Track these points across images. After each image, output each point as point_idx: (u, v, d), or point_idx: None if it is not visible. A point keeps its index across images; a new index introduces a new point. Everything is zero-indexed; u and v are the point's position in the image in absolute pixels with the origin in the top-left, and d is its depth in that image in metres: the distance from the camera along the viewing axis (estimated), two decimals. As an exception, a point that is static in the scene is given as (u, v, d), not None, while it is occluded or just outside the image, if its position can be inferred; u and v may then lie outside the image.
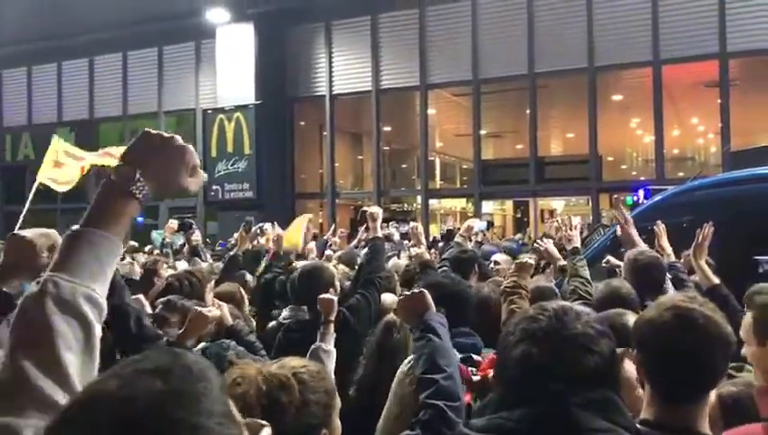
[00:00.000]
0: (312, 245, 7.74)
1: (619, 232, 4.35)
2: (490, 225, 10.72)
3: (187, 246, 7.64)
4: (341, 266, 5.85)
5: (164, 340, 3.01)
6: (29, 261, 1.75)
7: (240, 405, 1.61)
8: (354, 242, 9.31)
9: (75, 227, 1.14)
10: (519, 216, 18.62)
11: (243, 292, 4.54)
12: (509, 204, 18.80)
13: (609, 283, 3.55)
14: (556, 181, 14.14)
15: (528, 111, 13.31)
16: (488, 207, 16.18)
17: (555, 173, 14.06)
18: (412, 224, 9.54)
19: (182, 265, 6.27)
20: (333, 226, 10.97)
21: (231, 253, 6.03)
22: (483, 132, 14.26)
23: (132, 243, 8.96)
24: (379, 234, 4.47)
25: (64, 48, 16.87)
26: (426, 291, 2.60)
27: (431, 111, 14.59)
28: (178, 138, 1.21)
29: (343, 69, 14.75)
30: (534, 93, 13.23)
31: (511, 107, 15.55)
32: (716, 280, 3.47)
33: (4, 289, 1.79)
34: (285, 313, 4.16)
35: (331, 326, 3.10)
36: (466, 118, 14.27)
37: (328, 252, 7.54)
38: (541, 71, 13.06)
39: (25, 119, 18.22)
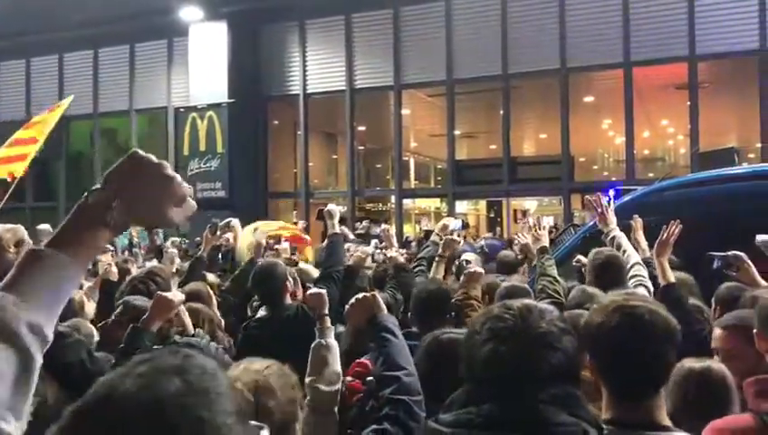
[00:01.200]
0: (286, 245, 7.73)
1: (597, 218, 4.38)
2: (465, 225, 10.72)
3: (150, 245, 7.57)
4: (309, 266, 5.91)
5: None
6: None
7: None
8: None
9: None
10: (492, 215, 18.75)
11: (210, 290, 4.52)
12: (483, 204, 18.94)
13: (583, 288, 3.61)
14: (529, 181, 14.25)
15: (501, 112, 13.39)
16: (462, 206, 16.27)
17: (528, 173, 14.17)
18: (383, 226, 9.59)
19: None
20: (303, 223, 10.91)
21: (197, 254, 5.99)
22: (457, 133, 14.32)
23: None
24: (337, 230, 4.56)
25: (34, 44, 16.59)
26: (376, 294, 2.65)
27: (405, 111, 14.61)
28: (167, 165, 1.11)
29: (317, 68, 14.71)
30: (508, 94, 13.32)
31: (484, 108, 15.63)
32: (673, 279, 3.53)
33: None
34: (262, 312, 4.16)
35: (327, 320, 3.07)
36: (440, 118, 14.32)
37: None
38: (514, 72, 13.14)
39: (-8, 116, 17.89)
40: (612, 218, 4.19)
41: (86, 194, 1.06)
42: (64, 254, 1.01)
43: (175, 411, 0.76)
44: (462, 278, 3.87)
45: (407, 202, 15.42)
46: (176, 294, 3.07)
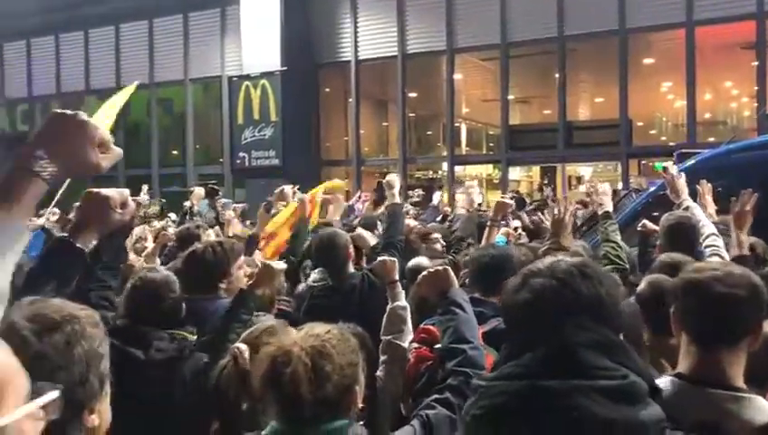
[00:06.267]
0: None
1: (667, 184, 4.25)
2: (521, 202, 9.45)
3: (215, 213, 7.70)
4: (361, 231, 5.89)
5: None
6: (101, 216, 1.78)
7: (292, 384, 1.75)
8: (380, 211, 9.33)
9: None
10: (546, 182, 18.45)
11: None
12: (536, 170, 18.62)
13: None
14: (585, 147, 13.96)
15: (557, 76, 13.10)
16: (515, 173, 16.05)
17: (584, 138, 13.87)
18: (438, 193, 9.56)
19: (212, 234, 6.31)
20: (359, 192, 10.94)
21: (251, 232, 6.02)
22: (510, 97, 14.08)
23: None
24: (397, 200, 4.57)
25: (91, 16, 16.89)
26: (449, 268, 2.68)
27: (457, 76, 14.41)
28: (82, 114, 1.15)
29: (369, 34, 14.61)
30: (564, 57, 13.01)
31: (539, 71, 15.33)
32: (747, 251, 3.43)
33: (78, 244, 1.82)
34: (315, 275, 4.23)
35: (398, 285, 3.20)
36: (493, 83, 14.10)
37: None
38: (570, 34, 12.81)
39: (54, 88, 18.36)
40: (684, 188, 4.06)
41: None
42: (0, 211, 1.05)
43: None
44: (551, 226, 3.85)
45: (458, 169, 15.29)
46: (278, 263, 3.22)
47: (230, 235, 6.44)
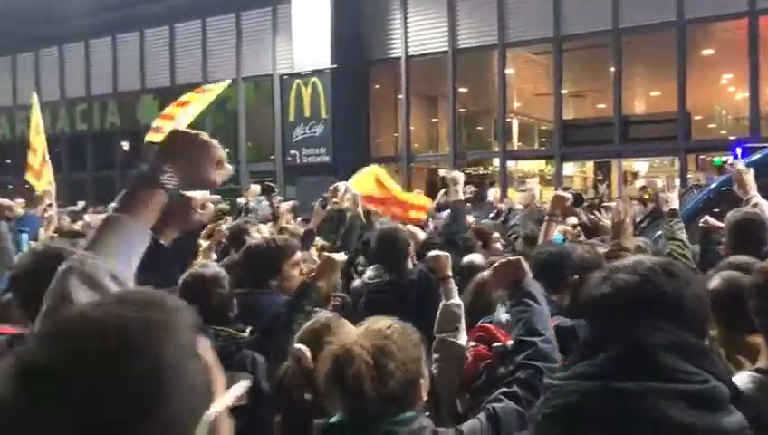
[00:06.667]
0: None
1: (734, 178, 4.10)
2: (579, 198, 9.24)
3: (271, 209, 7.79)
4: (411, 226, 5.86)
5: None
6: (184, 216, 1.89)
7: (355, 382, 1.75)
8: (430, 205, 9.27)
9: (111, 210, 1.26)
10: (600, 178, 18.09)
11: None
12: (589, 165, 18.28)
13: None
14: (641, 141, 13.62)
15: (612, 69, 12.81)
16: (569, 168, 15.78)
17: (641, 132, 13.53)
18: (493, 190, 9.46)
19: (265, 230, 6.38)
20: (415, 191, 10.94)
21: (307, 228, 6.06)
22: (564, 92, 13.84)
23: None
24: (460, 196, 4.52)
25: (146, 16, 17.28)
26: (522, 258, 2.60)
27: (509, 71, 14.24)
28: (204, 134, 1.28)
29: (419, 29, 14.55)
30: (619, 50, 12.72)
31: (593, 65, 15.03)
32: None
33: (162, 241, 1.90)
34: (370, 272, 4.21)
35: (451, 281, 3.15)
36: (546, 77, 13.88)
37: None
38: (626, 26, 12.51)
39: (111, 87, 18.84)
40: (752, 183, 3.90)
41: (137, 169, 1.25)
42: (127, 215, 1.20)
43: (129, 339, 0.81)
44: (612, 228, 3.75)
45: (509, 164, 15.12)
46: (339, 255, 3.24)
47: (282, 225, 6.51)
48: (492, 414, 2.08)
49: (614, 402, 1.30)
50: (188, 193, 1.89)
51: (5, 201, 4.23)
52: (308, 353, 2.25)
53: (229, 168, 1.31)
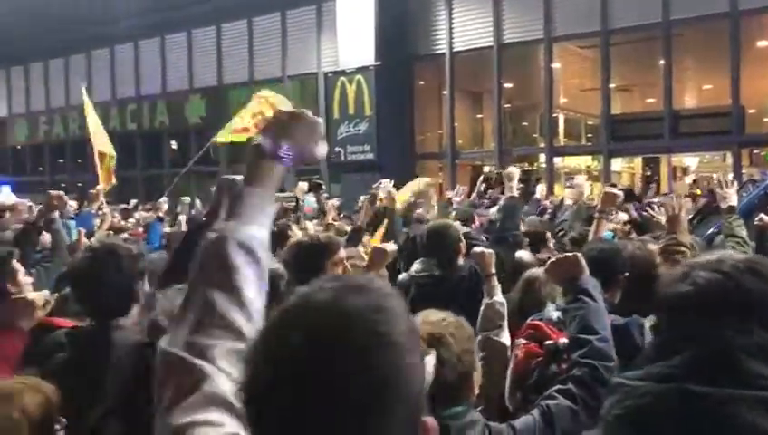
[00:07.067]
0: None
1: None
2: (629, 193, 9.13)
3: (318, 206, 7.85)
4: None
5: None
6: None
7: None
8: (471, 198, 9.21)
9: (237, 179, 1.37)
10: (649, 174, 17.72)
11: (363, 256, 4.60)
12: (637, 161, 17.91)
13: None
14: (692, 136, 13.30)
15: (662, 62, 12.53)
16: (616, 164, 15.49)
17: (692, 127, 13.20)
18: (540, 186, 9.34)
19: (311, 227, 6.44)
20: (458, 186, 10.87)
21: (357, 224, 6.08)
22: (612, 86, 13.59)
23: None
24: (515, 193, 4.48)
25: (193, 17, 17.57)
26: (579, 254, 2.56)
27: (555, 66, 14.05)
28: (308, 112, 1.38)
29: (464, 24, 14.47)
30: (669, 43, 12.43)
31: (641, 58, 14.72)
32: None
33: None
34: (417, 265, 4.21)
35: (494, 278, 3.16)
36: (593, 71, 13.67)
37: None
38: (677, 18, 12.21)
39: (160, 87, 19.22)
40: None
41: (255, 141, 1.34)
42: (253, 186, 1.29)
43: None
44: (667, 222, 3.68)
45: (556, 160, 14.93)
46: (390, 245, 3.32)
47: (329, 222, 6.55)
48: (546, 411, 2.06)
49: (690, 407, 1.23)
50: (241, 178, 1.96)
51: (57, 193, 4.30)
52: None
53: (325, 145, 1.42)
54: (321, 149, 1.40)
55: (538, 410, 2.07)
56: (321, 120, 1.41)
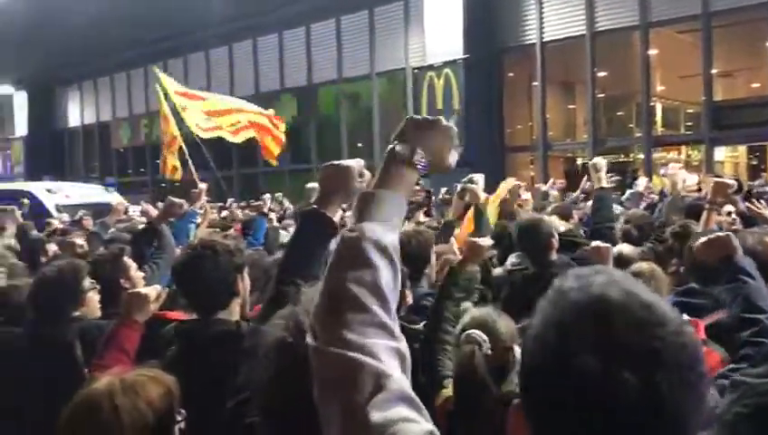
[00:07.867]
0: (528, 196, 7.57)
1: None
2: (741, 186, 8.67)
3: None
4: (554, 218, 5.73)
5: None
6: (345, 185, 1.94)
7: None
8: (575, 195, 9.01)
9: (368, 189, 1.34)
10: (755, 163, 16.78)
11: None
12: (741, 150, 17.01)
13: None
14: (803, 122, 12.49)
15: (768, 45, 11.83)
16: (719, 153, 14.76)
17: (804, 112, 12.41)
18: (642, 180, 8.99)
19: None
20: (552, 179, 10.67)
21: (446, 219, 6.06)
22: (713, 72, 12.94)
23: None
24: (604, 184, 4.37)
25: (284, 18, 17.98)
26: (731, 234, 2.55)
27: (652, 52, 13.50)
28: (442, 119, 1.37)
29: (554, 13, 14.13)
30: (776, 23, 11.72)
31: (746, 41, 13.94)
32: None
33: (327, 213, 1.98)
34: (513, 259, 4.17)
35: None
36: (692, 57, 13.05)
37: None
38: (786, -3, 11.50)
39: (253, 88, 19.77)
40: None
41: (391, 147, 1.33)
42: (385, 189, 1.29)
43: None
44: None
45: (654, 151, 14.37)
46: (485, 240, 3.26)
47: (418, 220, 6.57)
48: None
49: None
50: (345, 162, 1.97)
51: (179, 201, 4.66)
52: (486, 345, 2.27)
53: (458, 151, 1.42)
54: (454, 157, 1.40)
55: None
56: (455, 128, 1.40)
